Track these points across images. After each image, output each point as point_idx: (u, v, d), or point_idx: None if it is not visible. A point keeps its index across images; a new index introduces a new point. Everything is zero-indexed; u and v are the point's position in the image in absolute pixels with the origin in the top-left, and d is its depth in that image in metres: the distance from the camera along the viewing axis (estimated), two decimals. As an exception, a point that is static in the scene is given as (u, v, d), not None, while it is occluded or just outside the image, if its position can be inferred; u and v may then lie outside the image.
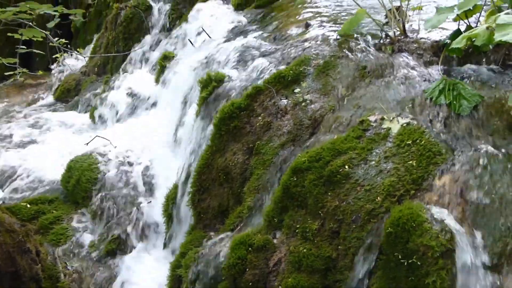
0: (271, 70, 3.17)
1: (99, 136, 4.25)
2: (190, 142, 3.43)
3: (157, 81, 4.79)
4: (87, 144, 4.20)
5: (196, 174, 3.08)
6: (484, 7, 2.77)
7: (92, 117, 5.22)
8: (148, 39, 5.96)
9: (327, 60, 2.99)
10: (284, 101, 2.89)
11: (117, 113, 4.98)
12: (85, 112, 5.57)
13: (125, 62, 5.98)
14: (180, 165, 3.50)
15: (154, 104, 4.68)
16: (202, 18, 5.03)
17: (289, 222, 2.41)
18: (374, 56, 2.94)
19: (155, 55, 5.53)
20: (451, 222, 1.95)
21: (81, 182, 3.84)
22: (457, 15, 2.74)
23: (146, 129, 4.35)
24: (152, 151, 4.03)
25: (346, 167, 2.30)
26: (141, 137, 4.25)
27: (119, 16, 6.25)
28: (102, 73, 6.37)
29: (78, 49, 7.32)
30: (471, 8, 2.69)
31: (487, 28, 2.31)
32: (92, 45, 7.12)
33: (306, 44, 3.24)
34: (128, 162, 3.96)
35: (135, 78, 5.22)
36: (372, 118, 2.47)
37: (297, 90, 2.91)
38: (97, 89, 5.89)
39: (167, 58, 4.81)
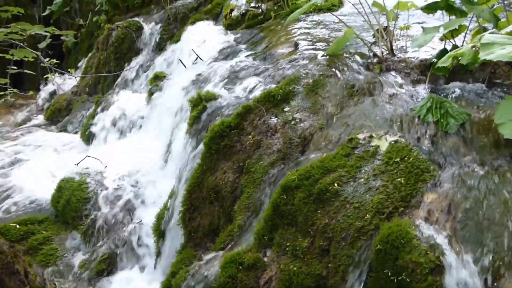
0: (261, 89, 3.20)
1: (89, 156, 4.24)
2: (181, 161, 3.44)
3: (148, 100, 4.81)
4: (78, 164, 4.19)
5: (186, 193, 3.08)
6: (470, 27, 2.82)
7: (83, 137, 5.22)
8: (139, 59, 6.00)
9: (316, 79, 3.02)
10: (274, 120, 2.91)
11: (108, 133, 4.98)
12: (76, 132, 5.57)
13: (116, 82, 6.00)
14: (171, 184, 3.50)
15: (145, 124, 4.70)
16: (193, 38, 5.08)
17: (280, 240, 2.41)
18: (362, 75, 2.97)
19: (146, 75, 5.56)
20: (439, 238, 1.97)
21: (72, 202, 3.82)
22: (443, 34, 2.79)
23: (137, 149, 4.35)
24: (143, 171, 4.03)
25: (336, 184, 2.32)
26: (132, 157, 4.25)
27: (111, 36, 6.29)
28: (93, 93, 6.39)
29: (69, 69, 7.35)
30: (457, 27, 2.74)
31: (473, 47, 2.35)
32: (83, 65, 7.15)
33: (296, 64, 3.28)
34: (119, 182, 3.95)
35: (126, 98, 5.24)
36: (360, 136, 2.49)
37: (286, 109, 2.93)
38: (88, 109, 5.90)
39: (158, 78, 4.84)
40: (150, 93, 4.79)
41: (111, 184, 3.92)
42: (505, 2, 2.68)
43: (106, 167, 4.11)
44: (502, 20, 2.67)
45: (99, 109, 5.29)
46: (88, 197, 3.85)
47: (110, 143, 4.86)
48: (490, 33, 2.32)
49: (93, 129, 5.11)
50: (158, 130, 4.37)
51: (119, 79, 5.97)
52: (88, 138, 5.13)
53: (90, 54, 7.05)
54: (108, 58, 6.27)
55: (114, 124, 4.97)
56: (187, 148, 3.40)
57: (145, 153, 4.21)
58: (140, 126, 4.73)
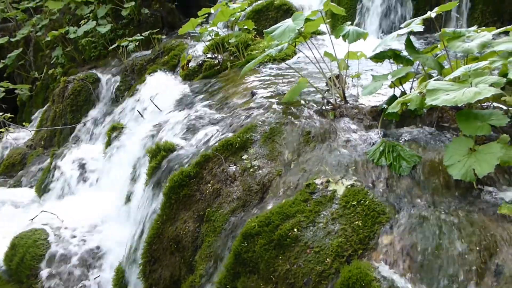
0: (219, 138, 3.24)
1: (45, 211, 4.14)
2: (140, 212, 3.40)
3: (105, 152, 4.77)
4: (32, 219, 4.08)
5: (146, 245, 3.03)
6: (416, 75, 2.97)
7: (38, 191, 5.09)
8: (96, 111, 5.98)
9: (272, 126, 3.09)
10: (233, 168, 2.94)
11: (64, 186, 4.88)
12: (31, 186, 5.43)
13: (72, 135, 5.94)
14: (130, 236, 3.44)
15: (102, 176, 4.64)
16: (151, 89, 5.12)
17: (242, 289, 2.40)
18: (317, 122, 3.06)
19: (103, 127, 5.53)
20: (398, 279, 2.00)
21: (26, 260, 3.69)
22: (392, 82, 2.92)
23: (95, 202, 4.28)
24: (101, 224, 3.95)
25: (295, 230, 2.34)
26: (89, 211, 4.17)
27: (67, 89, 6.27)
28: (49, 146, 6.29)
29: (24, 123, 7.23)
30: (404, 75, 2.88)
31: (419, 93, 2.47)
32: (38, 118, 7.06)
33: (252, 112, 3.34)
34: (76, 237, 3.85)
35: (83, 150, 5.18)
36: (318, 181, 2.55)
37: (245, 157, 2.97)
38: (43, 162, 5.78)
39: (115, 129, 4.83)
40: (108, 145, 4.75)
41: (68, 239, 3.81)
42: (447, 50, 2.85)
43: (62, 221, 4.01)
44: (446, 67, 2.83)
45: (55, 162, 5.19)
46: (44, 254, 3.73)
47: (66, 197, 4.76)
48: (435, 80, 2.46)
49: (49, 183, 5.00)
50: (116, 181, 4.32)
51: (75, 131, 5.91)
52: (44, 192, 5.01)
53: (45, 107, 6.99)
54: (64, 111, 6.22)
55: (70, 177, 4.88)
56: (146, 199, 3.37)
57: (103, 206, 4.14)
58: (98, 179, 4.66)
